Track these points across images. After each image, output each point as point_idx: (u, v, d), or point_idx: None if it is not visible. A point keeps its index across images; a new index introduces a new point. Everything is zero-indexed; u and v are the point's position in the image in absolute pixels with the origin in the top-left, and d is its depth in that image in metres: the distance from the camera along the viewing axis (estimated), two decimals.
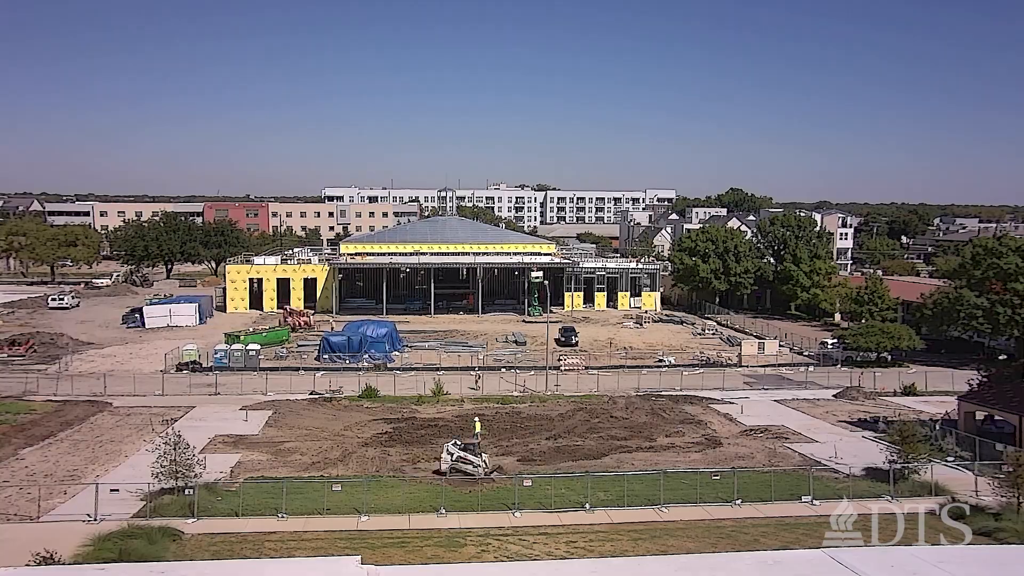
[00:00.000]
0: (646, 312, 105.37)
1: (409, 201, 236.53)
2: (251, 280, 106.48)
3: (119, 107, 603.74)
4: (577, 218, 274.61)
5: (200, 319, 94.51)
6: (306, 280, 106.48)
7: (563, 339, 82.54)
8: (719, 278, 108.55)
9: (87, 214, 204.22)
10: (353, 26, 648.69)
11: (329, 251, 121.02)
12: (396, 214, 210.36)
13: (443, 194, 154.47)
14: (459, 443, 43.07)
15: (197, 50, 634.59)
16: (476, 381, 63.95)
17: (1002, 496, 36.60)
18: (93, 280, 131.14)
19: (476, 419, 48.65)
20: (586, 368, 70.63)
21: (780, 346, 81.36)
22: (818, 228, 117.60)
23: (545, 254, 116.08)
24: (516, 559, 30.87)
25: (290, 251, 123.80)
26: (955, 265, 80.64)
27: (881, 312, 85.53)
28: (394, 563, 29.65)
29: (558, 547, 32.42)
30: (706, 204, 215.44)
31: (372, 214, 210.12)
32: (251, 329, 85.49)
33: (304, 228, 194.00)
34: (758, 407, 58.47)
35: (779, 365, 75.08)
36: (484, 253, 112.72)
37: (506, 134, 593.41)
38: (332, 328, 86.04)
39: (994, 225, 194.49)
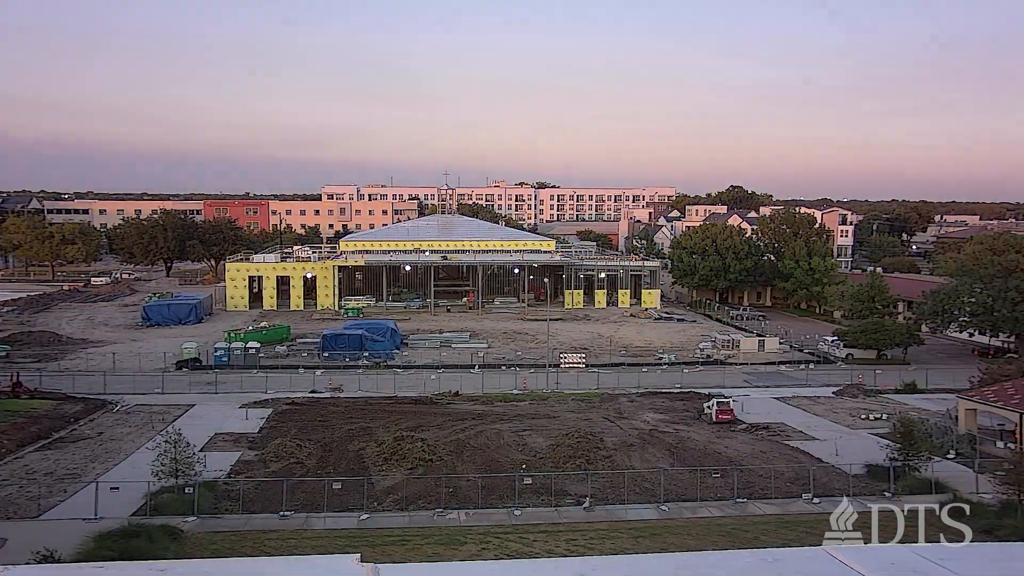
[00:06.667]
0: (646, 310, 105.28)
1: (409, 199, 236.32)
2: (251, 278, 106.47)
3: (119, 105, 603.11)
4: (577, 216, 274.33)
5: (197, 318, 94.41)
6: (305, 278, 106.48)
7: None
8: (719, 276, 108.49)
9: (86, 212, 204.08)
10: (353, 23, 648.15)
11: (329, 249, 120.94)
12: (396, 212, 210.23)
13: (443, 192, 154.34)
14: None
15: (197, 48, 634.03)
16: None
17: (1003, 494, 36.60)
18: (92, 279, 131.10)
19: None
20: (586, 366, 70.57)
21: (780, 343, 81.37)
22: (818, 225, 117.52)
23: (545, 252, 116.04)
24: (516, 557, 30.85)
25: (290, 249, 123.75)
26: (958, 263, 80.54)
27: (882, 310, 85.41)
28: (394, 561, 29.65)
29: (558, 545, 32.42)
30: (706, 202, 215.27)
31: (372, 212, 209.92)
32: (251, 327, 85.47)
33: (304, 226, 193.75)
34: (758, 404, 58.42)
35: (779, 363, 75.06)
36: (484, 251, 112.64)
37: (506, 131, 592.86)
38: None
39: (995, 222, 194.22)
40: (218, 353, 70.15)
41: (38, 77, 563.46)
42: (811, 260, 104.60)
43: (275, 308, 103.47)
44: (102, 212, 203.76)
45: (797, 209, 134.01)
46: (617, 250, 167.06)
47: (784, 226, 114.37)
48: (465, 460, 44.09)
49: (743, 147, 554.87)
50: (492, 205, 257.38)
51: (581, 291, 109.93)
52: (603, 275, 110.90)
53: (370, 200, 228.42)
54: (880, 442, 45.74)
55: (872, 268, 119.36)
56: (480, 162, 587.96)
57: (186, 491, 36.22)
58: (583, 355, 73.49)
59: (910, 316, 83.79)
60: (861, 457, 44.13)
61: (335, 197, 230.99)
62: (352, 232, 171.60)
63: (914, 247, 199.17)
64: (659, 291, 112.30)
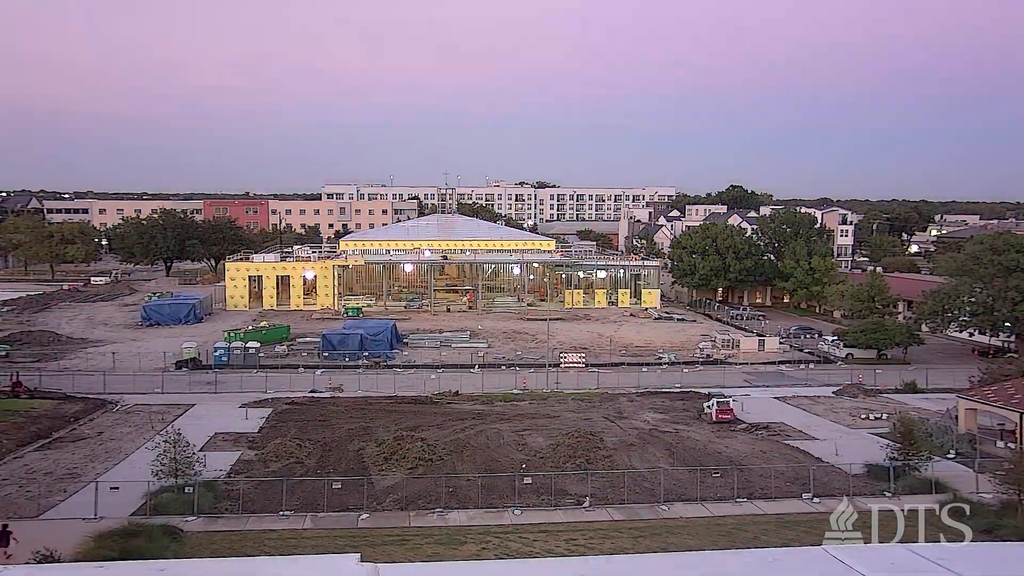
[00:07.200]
0: (645, 309, 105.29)
1: (409, 198, 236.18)
2: (251, 278, 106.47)
3: (118, 104, 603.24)
4: (577, 216, 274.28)
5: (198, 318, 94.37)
6: (305, 278, 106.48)
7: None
8: (719, 276, 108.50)
9: (86, 212, 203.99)
10: (353, 22, 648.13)
11: (329, 248, 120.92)
12: (396, 211, 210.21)
13: (443, 191, 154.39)
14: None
15: (196, 46, 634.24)
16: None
17: (1003, 494, 36.58)
18: (91, 279, 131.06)
19: None
20: (586, 366, 70.56)
21: (780, 343, 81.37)
22: (818, 225, 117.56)
23: (545, 251, 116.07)
24: (516, 557, 30.86)
25: (290, 249, 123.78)
26: (958, 263, 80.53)
27: (882, 309, 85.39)
28: (394, 561, 29.64)
29: (558, 545, 32.41)
30: (706, 201, 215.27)
31: (372, 211, 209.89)
32: (251, 327, 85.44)
33: (304, 225, 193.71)
34: (758, 404, 58.39)
35: (779, 362, 75.06)
36: (484, 251, 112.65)
37: (506, 131, 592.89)
38: None
39: (995, 221, 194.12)
40: (218, 353, 70.12)
41: (38, 76, 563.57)
42: (811, 260, 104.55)
43: (275, 308, 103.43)
44: (102, 212, 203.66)
45: (797, 209, 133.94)
46: (617, 250, 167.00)
47: (784, 226, 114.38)
48: (465, 460, 44.08)
49: (743, 147, 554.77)
50: (492, 205, 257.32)
51: (581, 291, 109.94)
52: (603, 275, 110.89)
53: (370, 200, 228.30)
54: (880, 442, 45.69)
55: (872, 268, 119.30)
56: (480, 162, 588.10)
57: (186, 491, 36.21)
58: (583, 355, 73.45)
59: (910, 316, 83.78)
60: (861, 457, 44.09)
61: (335, 197, 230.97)
62: (352, 232, 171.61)
63: (914, 247, 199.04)
64: (659, 291, 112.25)
